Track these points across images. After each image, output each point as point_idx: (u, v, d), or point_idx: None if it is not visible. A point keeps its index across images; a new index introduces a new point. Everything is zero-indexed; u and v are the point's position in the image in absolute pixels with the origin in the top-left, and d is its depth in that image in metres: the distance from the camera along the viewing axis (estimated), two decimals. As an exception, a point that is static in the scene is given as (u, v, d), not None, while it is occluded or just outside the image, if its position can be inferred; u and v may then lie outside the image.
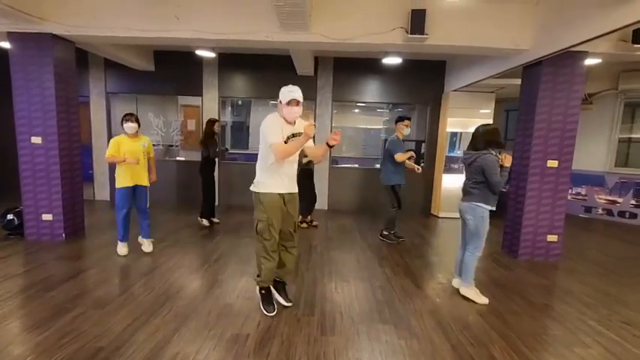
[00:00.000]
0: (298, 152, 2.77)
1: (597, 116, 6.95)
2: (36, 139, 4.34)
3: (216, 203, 6.23)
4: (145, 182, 4.10)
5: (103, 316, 2.71)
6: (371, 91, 7.05)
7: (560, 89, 4.19)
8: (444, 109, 6.88)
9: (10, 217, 4.57)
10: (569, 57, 4.02)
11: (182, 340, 2.45)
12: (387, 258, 4.36)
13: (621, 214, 6.87)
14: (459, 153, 6.76)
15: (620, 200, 6.87)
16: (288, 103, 2.63)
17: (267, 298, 2.90)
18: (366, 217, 6.55)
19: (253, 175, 2.80)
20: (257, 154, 2.80)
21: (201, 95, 7.05)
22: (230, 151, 7.85)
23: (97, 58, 6.60)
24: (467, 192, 3.21)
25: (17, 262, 3.80)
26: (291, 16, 3.65)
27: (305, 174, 5.36)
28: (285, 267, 2.96)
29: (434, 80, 6.92)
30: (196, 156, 5.86)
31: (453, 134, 6.80)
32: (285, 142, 2.64)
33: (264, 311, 2.84)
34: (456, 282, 3.46)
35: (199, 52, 6.12)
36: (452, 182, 6.73)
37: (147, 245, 4.24)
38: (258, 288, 2.95)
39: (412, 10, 3.90)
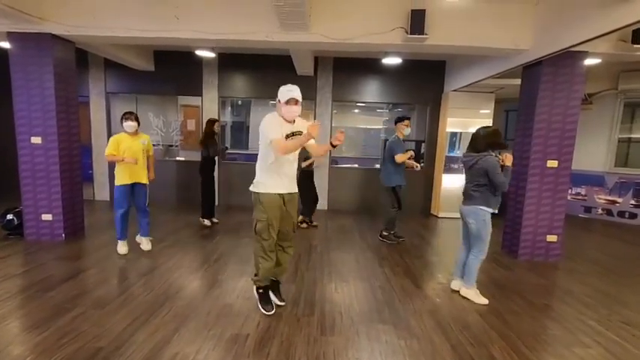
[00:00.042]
0: (298, 152, 2.77)
1: (597, 116, 6.95)
2: (36, 139, 4.34)
3: (216, 203, 6.23)
4: (144, 180, 4.10)
5: (102, 317, 2.71)
6: (371, 91, 7.05)
7: (559, 89, 4.19)
8: (443, 109, 6.88)
9: (9, 217, 4.57)
10: (569, 57, 4.02)
11: (182, 340, 2.45)
12: (387, 258, 4.36)
13: (621, 214, 6.87)
14: (458, 153, 6.76)
15: (619, 200, 6.88)
16: (287, 102, 2.62)
17: (264, 298, 2.90)
18: (365, 217, 6.55)
19: (253, 175, 2.80)
20: (257, 154, 2.80)
21: (201, 95, 7.06)
22: (230, 151, 7.85)
23: (96, 58, 6.60)
24: (468, 195, 3.20)
25: (17, 262, 3.80)
26: (291, 16, 3.65)
27: (305, 175, 5.37)
28: (281, 266, 2.96)
29: (434, 80, 6.92)
30: (196, 156, 5.86)
31: (453, 134, 6.80)
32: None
33: (263, 310, 2.84)
34: (454, 284, 3.45)
35: (199, 52, 6.12)
36: (452, 182, 6.74)
37: (145, 243, 4.24)
38: (255, 287, 2.95)
39: (412, 10, 3.90)
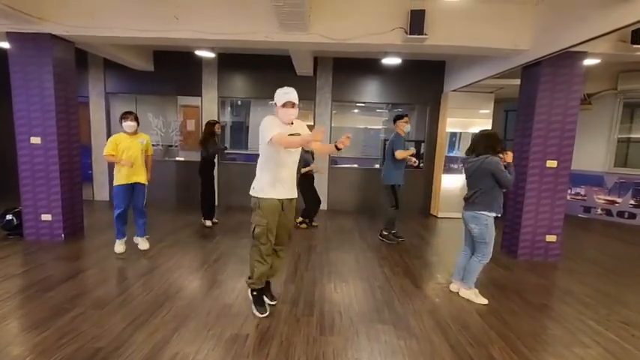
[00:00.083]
0: (298, 158, 2.78)
1: (596, 116, 6.95)
2: (35, 140, 4.34)
3: (216, 203, 6.23)
4: (143, 180, 4.10)
5: (102, 317, 2.71)
6: (370, 91, 7.05)
7: (559, 89, 4.19)
8: (443, 110, 6.88)
9: (9, 217, 4.56)
10: (568, 57, 4.03)
11: (181, 341, 2.45)
12: (387, 258, 4.36)
13: (620, 214, 6.88)
14: (458, 153, 6.76)
15: (619, 200, 6.88)
16: (284, 105, 2.62)
17: (258, 300, 2.89)
18: (365, 217, 6.55)
19: (253, 175, 2.79)
20: (256, 155, 2.80)
21: (200, 95, 7.05)
22: (229, 151, 7.85)
23: (96, 58, 6.60)
24: (469, 201, 3.19)
25: (16, 262, 3.80)
26: (291, 17, 3.65)
27: (305, 178, 5.38)
28: (273, 269, 2.96)
29: (433, 80, 6.92)
30: (196, 156, 5.86)
31: (453, 134, 6.80)
32: None
33: (257, 312, 2.83)
34: (453, 286, 3.45)
35: (199, 53, 6.12)
36: (451, 182, 6.74)
37: (142, 243, 4.25)
38: (249, 290, 2.95)
39: (411, 11, 3.90)
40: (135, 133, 4.02)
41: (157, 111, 7.62)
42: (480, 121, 6.59)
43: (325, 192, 7.13)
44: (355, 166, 7.67)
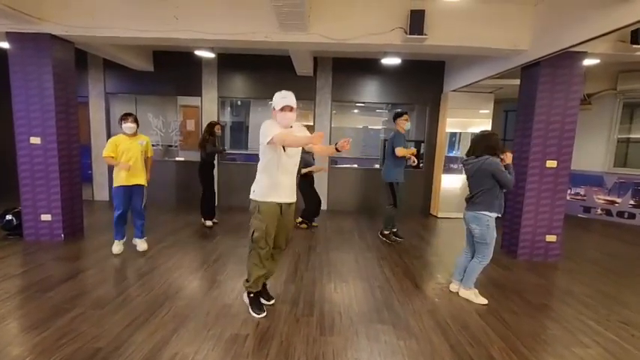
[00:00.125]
0: (298, 160, 2.78)
1: (596, 116, 6.96)
2: (35, 140, 4.34)
3: (216, 204, 6.22)
4: (143, 182, 4.10)
5: (101, 317, 2.71)
6: (370, 91, 7.05)
7: (558, 89, 4.19)
8: (443, 110, 6.88)
9: (8, 217, 4.56)
10: (567, 57, 4.03)
11: (181, 341, 2.45)
12: (386, 258, 4.36)
13: (620, 214, 6.88)
14: (458, 153, 6.76)
15: (618, 200, 6.88)
16: (282, 109, 2.62)
17: (255, 302, 2.90)
18: (365, 218, 6.55)
19: (253, 175, 2.79)
20: (256, 155, 2.80)
21: (200, 95, 7.05)
22: (229, 152, 7.86)
23: (96, 58, 6.59)
24: (471, 202, 3.20)
25: (16, 262, 3.79)
26: (290, 17, 3.65)
27: (305, 178, 5.38)
28: (268, 271, 2.95)
29: (433, 80, 6.92)
30: (195, 156, 5.86)
31: (452, 134, 6.80)
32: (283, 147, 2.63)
33: (254, 314, 2.82)
34: (453, 286, 3.45)
35: (198, 53, 6.12)
36: (451, 182, 6.74)
37: (140, 244, 4.25)
38: (246, 292, 2.94)
39: (411, 11, 3.91)
40: (134, 134, 4.02)
41: (157, 111, 7.62)
42: (479, 121, 6.60)
43: (325, 192, 7.13)
44: (355, 166, 7.67)
